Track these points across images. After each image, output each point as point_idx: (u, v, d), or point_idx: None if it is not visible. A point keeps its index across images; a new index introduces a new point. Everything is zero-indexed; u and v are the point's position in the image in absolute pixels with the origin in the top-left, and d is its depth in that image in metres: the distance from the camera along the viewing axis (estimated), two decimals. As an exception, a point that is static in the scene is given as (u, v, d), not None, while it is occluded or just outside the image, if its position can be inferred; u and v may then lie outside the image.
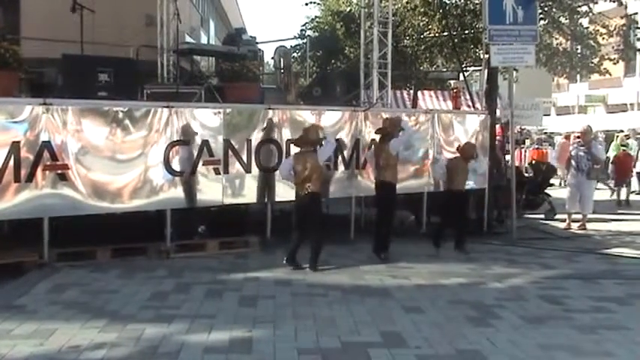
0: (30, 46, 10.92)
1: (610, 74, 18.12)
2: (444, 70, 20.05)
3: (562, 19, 14.91)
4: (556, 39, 16.31)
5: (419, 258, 9.21)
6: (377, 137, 9.53)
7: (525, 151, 19.59)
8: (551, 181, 14.27)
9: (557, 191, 16.12)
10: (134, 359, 5.03)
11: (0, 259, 7.71)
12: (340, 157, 10.12)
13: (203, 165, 9.06)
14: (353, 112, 10.45)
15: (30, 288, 7.08)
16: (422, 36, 16.49)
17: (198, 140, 9.01)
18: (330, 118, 10.15)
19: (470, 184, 10.43)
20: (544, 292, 7.40)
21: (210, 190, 9.17)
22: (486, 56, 11.63)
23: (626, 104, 33.99)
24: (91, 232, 8.52)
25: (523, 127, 19.67)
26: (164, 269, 8.14)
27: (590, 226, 12.52)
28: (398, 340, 5.53)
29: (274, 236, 9.55)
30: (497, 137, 14.10)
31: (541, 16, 13.00)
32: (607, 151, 17.67)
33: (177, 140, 8.85)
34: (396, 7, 15.01)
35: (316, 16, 23.47)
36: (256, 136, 9.47)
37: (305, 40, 20.43)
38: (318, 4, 23.48)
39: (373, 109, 10.82)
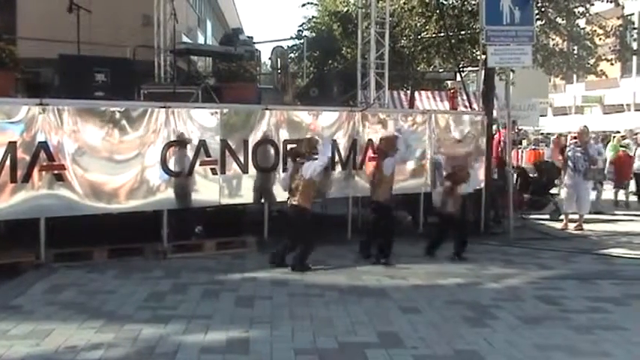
0: (26, 46, 10.92)
1: (606, 75, 18.16)
2: (441, 70, 20.10)
3: (559, 20, 14.94)
4: (553, 39, 16.34)
5: (416, 258, 9.21)
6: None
7: (522, 152, 19.60)
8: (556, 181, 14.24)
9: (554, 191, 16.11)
10: (131, 360, 5.03)
11: (-4, 259, 7.69)
12: (337, 158, 10.11)
13: (200, 165, 9.05)
14: (350, 112, 10.45)
15: (27, 288, 7.07)
16: (419, 36, 16.51)
17: (195, 141, 9.00)
18: (327, 118, 10.15)
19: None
20: (541, 293, 7.40)
21: (207, 190, 9.15)
22: (483, 57, 11.63)
23: (622, 105, 34.07)
24: (88, 232, 8.51)
25: (520, 128, 19.68)
26: (161, 270, 8.13)
27: (586, 226, 12.53)
28: (395, 341, 5.54)
29: (271, 236, 9.54)
30: (503, 138, 14.16)
31: (538, 16, 13.03)
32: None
33: (174, 140, 8.84)
34: (394, 7, 15.02)
35: (313, 17, 23.50)
36: (253, 137, 9.46)
37: (302, 41, 20.45)
38: (316, 4, 23.52)
39: (370, 109, 10.83)
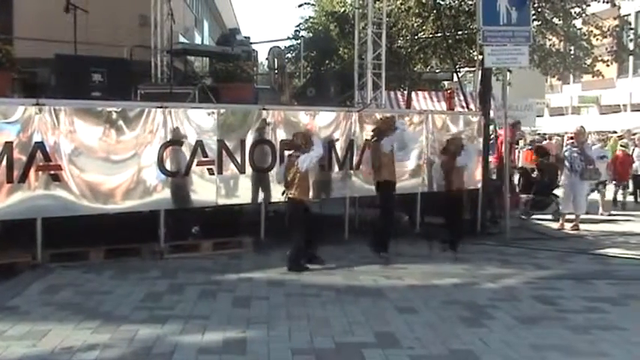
0: (23, 46, 10.89)
1: (603, 75, 18.20)
2: (438, 71, 20.12)
3: (555, 20, 14.96)
4: (549, 40, 16.37)
5: (412, 258, 9.22)
6: (371, 138, 9.52)
7: (519, 152, 19.63)
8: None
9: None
10: (127, 360, 5.03)
11: (-7, 260, 7.68)
12: (334, 158, 10.11)
13: (197, 165, 9.03)
14: (347, 112, 10.45)
15: (23, 289, 7.05)
16: (416, 37, 16.52)
17: (192, 141, 8.99)
18: (324, 118, 10.14)
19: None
20: (537, 293, 7.41)
21: (204, 190, 9.14)
22: (480, 57, 11.64)
23: (619, 105, 34.12)
24: (85, 232, 8.49)
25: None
26: (158, 270, 8.12)
27: (583, 226, 12.55)
28: (391, 341, 5.54)
29: (268, 237, 9.54)
30: (508, 139, 14.19)
31: (534, 17, 13.04)
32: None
33: (171, 141, 8.84)
34: (390, 7, 15.02)
35: (310, 17, 23.55)
36: (250, 137, 9.45)
37: (299, 41, 20.44)
38: (313, 4, 23.53)
39: (367, 109, 10.83)
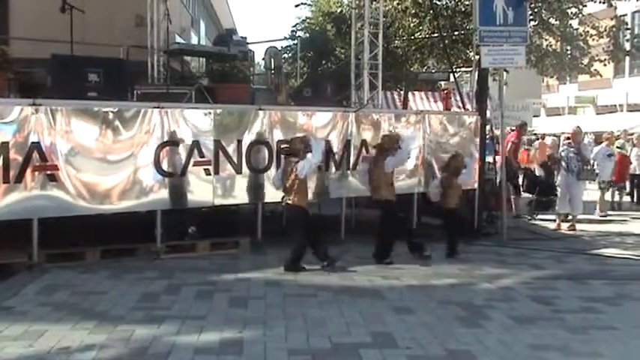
0: (19, 46, 10.91)
1: (600, 75, 18.24)
2: (435, 71, 20.13)
3: (552, 21, 15.00)
4: (546, 40, 16.41)
5: (409, 259, 9.21)
6: (374, 150, 9.45)
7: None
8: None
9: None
10: (124, 361, 5.02)
11: (-11, 260, 7.67)
12: (331, 158, 10.10)
13: (194, 166, 9.01)
14: (344, 112, 10.44)
15: (19, 289, 7.04)
16: (413, 37, 16.56)
17: (188, 141, 8.97)
18: (320, 118, 10.13)
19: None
20: (534, 293, 7.42)
21: (201, 190, 9.13)
22: (477, 57, 11.66)
23: (615, 105, 34.18)
24: (81, 233, 8.48)
25: (514, 129, 19.73)
26: (154, 270, 8.11)
27: (579, 226, 12.57)
28: (388, 341, 5.54)
29: (265, 237, 9.52)
30: (513, 139, 14.21)
31: (531, 17, 13.07)
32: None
33: (168, 141, 8.82)
34: (387, 8, 15.05)
35: (307, 17, 23.57)
36: (247, 137, 9.44)
37: (296, 41, 20.49)
38: (309, 5, 23.54)
39: (364, 110, 10.83)
